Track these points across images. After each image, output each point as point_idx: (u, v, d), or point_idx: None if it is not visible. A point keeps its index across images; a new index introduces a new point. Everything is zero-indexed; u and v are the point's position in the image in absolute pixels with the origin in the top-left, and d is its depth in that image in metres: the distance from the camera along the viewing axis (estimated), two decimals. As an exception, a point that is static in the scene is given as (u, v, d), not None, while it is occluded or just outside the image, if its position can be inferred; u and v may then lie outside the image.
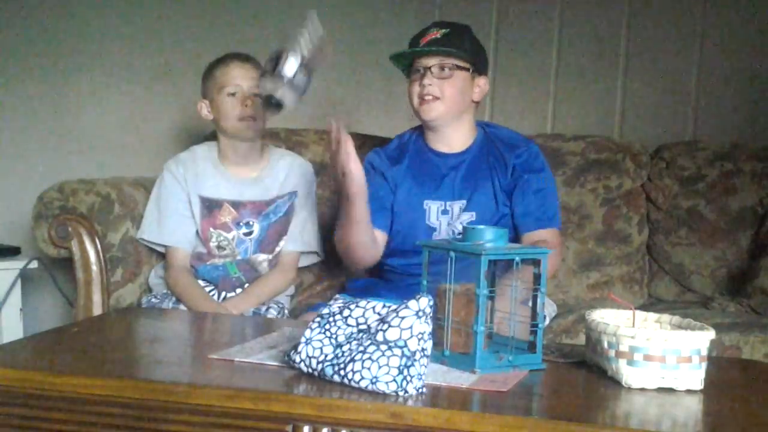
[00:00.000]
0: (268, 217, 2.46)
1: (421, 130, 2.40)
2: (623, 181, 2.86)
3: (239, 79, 2.41)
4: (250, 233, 2.45)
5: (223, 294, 2.40)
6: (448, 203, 2.30)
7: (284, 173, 2.50)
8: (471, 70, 2.27)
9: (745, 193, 2.83)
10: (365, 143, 2.89)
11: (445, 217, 2.28)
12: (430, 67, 2.24)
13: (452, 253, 1.60)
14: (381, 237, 2.35)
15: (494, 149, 2.33)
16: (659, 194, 2.89)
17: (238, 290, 2.40)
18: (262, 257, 2.46)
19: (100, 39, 3.09)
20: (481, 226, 1.65)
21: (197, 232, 2.45)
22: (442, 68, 2.24)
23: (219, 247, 2.44)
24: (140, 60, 3.13)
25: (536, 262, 1.62)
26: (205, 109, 2.46)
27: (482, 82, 2.31)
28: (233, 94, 2.40)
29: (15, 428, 1.47)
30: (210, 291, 2.40)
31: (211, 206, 2.44)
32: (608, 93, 3.29)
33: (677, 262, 2.86)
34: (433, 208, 2.31)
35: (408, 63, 2.31)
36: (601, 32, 3.28)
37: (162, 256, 2.50)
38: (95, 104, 3.10)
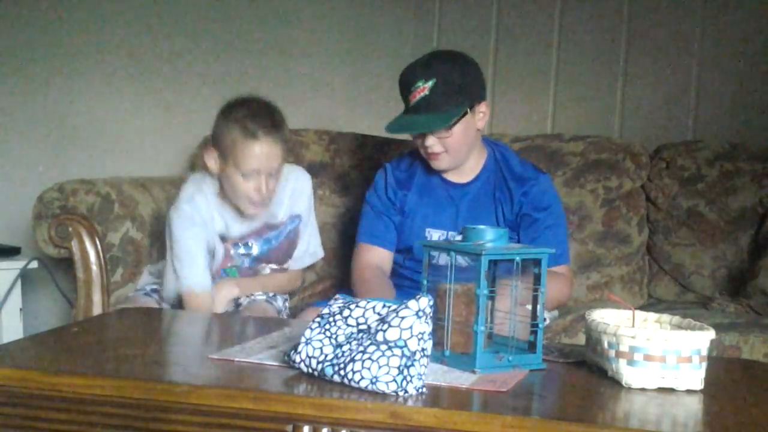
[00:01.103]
0: (269, 241, 2.39)
1: None
2: (623, 181, 2.85)
3: (258, 161, 2.17)
4: (248, 253, 2.40)
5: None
6: (450, 233, 2.29)
7: (288, 196, 2.37)
8: (469, 110, 2.20)
9: (745, 193, 2.83)
10: (365, 143, 2.89)
11: None
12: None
13: (452, 253, 1.60)
14: (388, 256, 2.36)
15: (502, 180, 2.31)
16: (659, 194, 2.89)
17: None
18: (266, 267, 2.45)
19: (100, 39, 3.09)
20: (481, 226, 1.65)
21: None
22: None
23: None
24: (141, 60, 3.13)
25: (536, 262, 1.62)
26: (212, 161, 2.23)
27: (483, 108, 2.25)
28: (249, 175, 2.19)
29: (15, 428, 1.47)
30: None
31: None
32: (608, 93, 3.29)
33: (677, 262, 2.86)
34: (434, 236, 2.29)
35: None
36: (601, 32, 3.28)
37: (157, 255, 2.49)
38: (95, 104, 3.10)
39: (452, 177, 2.33)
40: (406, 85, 2.21)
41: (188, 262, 2.23)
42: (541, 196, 2.29)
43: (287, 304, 2.47)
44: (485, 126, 2.27)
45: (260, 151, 2.17)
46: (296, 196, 2.38)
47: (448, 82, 2.17)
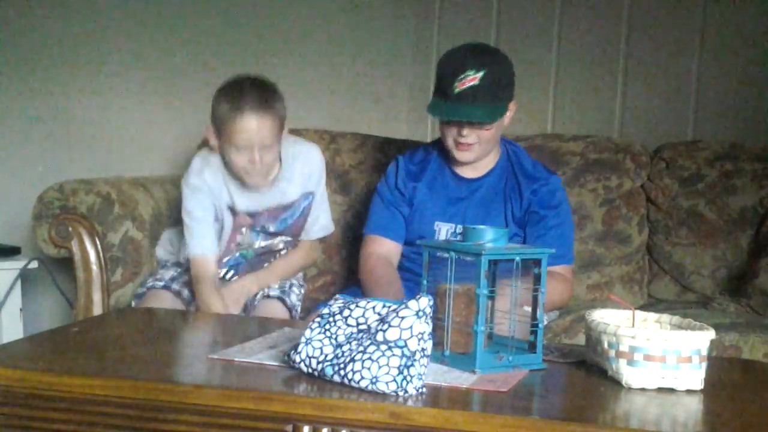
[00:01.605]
0: (285, 221, 2.41)
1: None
2: (623, 181, 2.85)
3: (248, 135, 2.20)
4: (267, 235, 2.43)
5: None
6: (458, 227, 2.28)
7: (300, 176, 2.38)
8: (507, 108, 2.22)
9: (745, 193, 2.82)
10: (365, 143, 2.89)
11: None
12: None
13: (452, 253, 1.60)
14: (396, 248, 2.36)
15: (512, 178, 2.31)
16: (659, 194, 2.88)
17: (265, 265, 2.43)
18: (279, 240, 2.45)
19: (100, 39, 3.09)
20: (482, 226, 1.66)
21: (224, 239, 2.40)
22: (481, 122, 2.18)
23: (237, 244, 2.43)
24: (141, 59, 3.13)
25: (536, 262, 1.63)
26: (212, 138, 2.30)
27: (512, 106, 2.26)
28: (241, 148, 2.23)
29: (15, 428, 1.47)
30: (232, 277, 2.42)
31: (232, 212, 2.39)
32: (608, 93, 3.29)
33: (677, 262, 2.86)
34: (443, 229, 2.29)
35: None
36: (601, 32, 3.28)
37: (173, 223, 2.50)
38: (95, 104, 3.10)
39: (464, 172, 2.33)
40: (452, 72, 2.17)
41: (196, 230, 2.32)
42: (551, 195, 2.29)
43: (301, 297, 2.47)
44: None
45: (248, 125, 2.20)
46: (308, 174, 2.40)
47: (496, 75, 2.17)
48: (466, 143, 2.21)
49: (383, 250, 2.34)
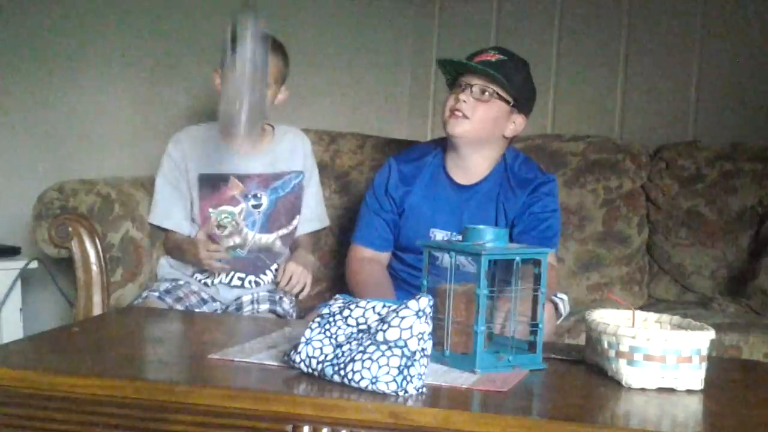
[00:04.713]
0: (276, 191, 2.48)
1: (444, 146, 2.35)
2: (623, 181, 2.85)
3: None
4: (259, 206, 2.46)
5: (246, 276, 2.45)
6: (453, 234, 2.27)
7: (289, 150, 2.52)
8: (511, 104, 2.22)
9: (745, 193, 2.82)
10: (365, 143, 2.89)
11: None
12: (472, 85, 2.20)
13: (452, 253, 1.60)
14: (386, 257, 2.38)
15: (507, 185, 2.30)
16: (659, 194, 2.88)
17: (267, 272, 2.46)
18: (273, 237, 2.48)
19: (99, 38, 3.09)
20: (481, 226, 1.66)
21: (195, 214, 2.45)
22: (483, 91, 2.19)
23: (219, 226, 2.43)
24: (140, 59, 3.13)
25: (536, 262, 1.63)
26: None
27: (519, 120, 2.26)
28: None
29: (15, 428, 1.47)
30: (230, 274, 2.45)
31: (217, 182, 2.44)
32: (608, 93, 3.28)
33: (677, 262, 2.86)
34: (438, 236, 2.28)
35: (454, 76, 2.27)
36: (601, 32, 3.28)
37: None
38: (95, 103, 3.10)
39: (459, 177, 2.32)
40: (473, 53, 2.24)
41: (154, 198, 2.48)
42: (544, 196, 2.29)
43: (294, 304, 2.47)
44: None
45: None
46: (293, 153, 2.53)
47: (514, 68, 2.21)
48: (460, 111, 2.19)
49: (369, 255, 2.36)
